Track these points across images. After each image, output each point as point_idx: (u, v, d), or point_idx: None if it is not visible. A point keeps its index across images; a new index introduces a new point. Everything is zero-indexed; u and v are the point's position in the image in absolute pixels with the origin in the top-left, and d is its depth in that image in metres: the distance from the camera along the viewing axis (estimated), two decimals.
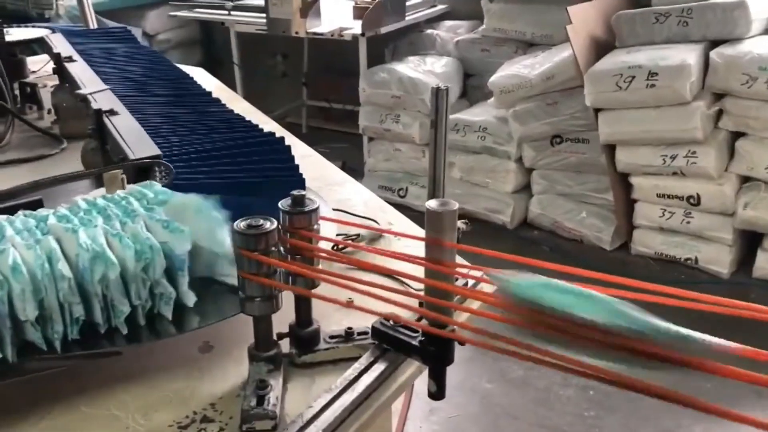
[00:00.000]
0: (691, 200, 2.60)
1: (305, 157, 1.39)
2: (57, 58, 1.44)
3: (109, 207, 0.72)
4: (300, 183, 0.88)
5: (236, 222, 0.63)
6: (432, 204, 0.61)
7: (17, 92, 1.59)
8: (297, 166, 0.91)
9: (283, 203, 0.67)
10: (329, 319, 0.77)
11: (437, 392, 0.69)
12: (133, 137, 0.97)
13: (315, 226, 0.68)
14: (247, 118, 1.13)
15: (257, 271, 0.63)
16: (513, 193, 3.09)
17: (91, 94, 1.18)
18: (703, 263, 2.67)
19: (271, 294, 0.65)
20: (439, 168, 0.71)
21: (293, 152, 1.41)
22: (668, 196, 2.64)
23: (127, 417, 0.65)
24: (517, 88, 2.91)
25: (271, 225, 0.63)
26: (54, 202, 0.78)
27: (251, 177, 0.86)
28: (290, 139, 1.49)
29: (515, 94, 2.93)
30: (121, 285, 0.66)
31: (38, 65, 1.85)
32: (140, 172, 0.89)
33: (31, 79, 1.70)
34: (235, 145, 0.97)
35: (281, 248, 0.67)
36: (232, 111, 1.18)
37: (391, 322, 0.71)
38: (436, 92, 0.68)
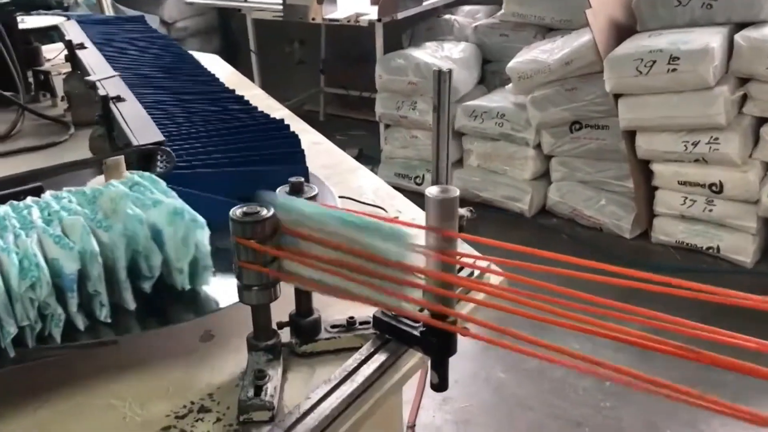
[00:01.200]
0: (714, 188, 2.54)
1: (316, 144, 1.37)
2: (69, 45, 1.44)
3: (8, 216, 0.68)
4: (303, 170, 0.87)
5: (232, 209, 0.62)
6: (431, 191, 0.59)
7: (32, 80, 1.60)
8: (302, 153, 0.90)
9: (282, 190, 0.66)
10: (332, 308, 0.75)
11: (439, 384, 0.67)
12: (139, 123, 0.97)
13: None
14: (259, 106, 1.12)
15: (254, 259, 0.62)
16: (531, 181, 3.05)
17: (99, 80, 1.18)
18: (725, 252, 2.61)
19: (269, 283, 0.64)
20: (443, 154, 0.69)
21: (304, 140, 1.40)
22: (690, 184, 2.59)
23: (124, 406, 0.64)
24: (536, 73, 2.86)
25: (267, 212, 0.62)
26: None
27: (254, 164, 0.84)
28: (302, 126, 1.48)
29: (533, 79, 2.88)
30: (7, 304, 0.61)
31: (55, 53, 1.86)
32: (144, 158, 0.89)
33: (46, 66, 1.71)
34: (240, 131, 0.96)
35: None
36: (241, 98, 1.17)
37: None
38: (438, 75, 0.66)
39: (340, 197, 0.96)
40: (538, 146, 3.01)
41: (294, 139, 0.92)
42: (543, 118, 2.89)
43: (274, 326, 0.70)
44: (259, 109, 1.09)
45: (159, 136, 0.91)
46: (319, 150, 1.34)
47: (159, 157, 0.83)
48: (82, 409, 0.64)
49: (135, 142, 0.89)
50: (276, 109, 1.62)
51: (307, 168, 0.88)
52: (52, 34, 1.92)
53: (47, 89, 1.59)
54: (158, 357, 0.71)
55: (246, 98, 1.18)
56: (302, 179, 0.65)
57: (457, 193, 0.60)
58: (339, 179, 1.17)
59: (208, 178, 0.81)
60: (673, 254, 2.70)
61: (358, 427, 0.64)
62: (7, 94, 1.37)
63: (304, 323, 0.71)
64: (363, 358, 0.68)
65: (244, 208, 0.62)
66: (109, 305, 0.67)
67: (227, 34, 4.68)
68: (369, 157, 3.58)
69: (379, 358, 0.68)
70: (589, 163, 2.91)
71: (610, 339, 0.50)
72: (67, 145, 1.33)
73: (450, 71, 0.66)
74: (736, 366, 0.42)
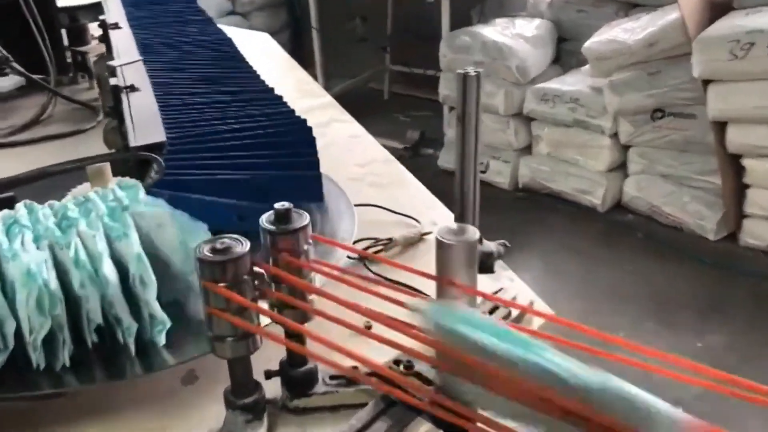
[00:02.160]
0: None
1: (354, 138, 1.25)
2: (103, 25, 1.37)
3: None
4: (315, 180, 0.74)
5: (198, 245, 0.50)
6: (442, 232, 0.46)
7: (70, 60, 1.55)
8: (315, 158, 0.77)
9: (265, 219, 0.53)
10: (332, 356, 0.63)
11: None
12: (145, 119, 0.87)
13: (305, 247, 0.54)
14: (300, 92, 1.00)
15: (226, 306, 0.51)
16: (606, 172, 2.82)
17: (120, 66, 1.09)
18: None
19: (246, 332, 0.52)
20: (468, 177, 0.54)
21: (342, 132, 1.28)
22: None
23: None
24: (615, 54, 2.62)
25: (241, 248, 0.50)
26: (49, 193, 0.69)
27: (256, 173, 0.73)
28: (342, 117, 1.35)
29: (612, 61, 2.64)
30: None
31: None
32: (142, 162, 0.79)
33: (91, 45, 1.65)
34: (253, 133, 0.84)
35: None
36: (267, 89, 1.05)
37: (402, 369, 0.56)
38: (464, 79, 0.51)
39: (358, 205, 0.83)
40: (614, 135, 2.77)
41: (311, 142, 0.79)
42: (621, 104, 2.65)
43: (260, 377, 0.58)
44: (290, 101, 0.97)
45: (161, 136, 0.80)
46: (356, 144, 1.21)
47: (154, 165, 0.72)
48: None
49: (133, 141, 0.79)
50: (319, 96, 1.50)
51: (320, 178, 0.75)
52: None
53: (86, 70, 1.53)
54: (133, 400, 0.61)
55: (287, 83, 1.05)
56: (288, 206, 0.52)
57: (477, 236, 0.46)
58: (372, 180, 1.05)
59: (200, 185, 0.70)
60: (763, 260, 2.43)
61: None
62: (36, 77, 1.31)
63: (296, 374, 0.59)
64: (360, 425, 0.55)
65: (216, 243, 0.50)
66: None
67: (293, 8, 4.59)
68: (432, 140, 3.43)
69: (380, 428, 0.55)
70: (672, 155, 2.65)
71: None
72: (94, 132, 1.26)
73: (478, 74, 0.51)
74: None
